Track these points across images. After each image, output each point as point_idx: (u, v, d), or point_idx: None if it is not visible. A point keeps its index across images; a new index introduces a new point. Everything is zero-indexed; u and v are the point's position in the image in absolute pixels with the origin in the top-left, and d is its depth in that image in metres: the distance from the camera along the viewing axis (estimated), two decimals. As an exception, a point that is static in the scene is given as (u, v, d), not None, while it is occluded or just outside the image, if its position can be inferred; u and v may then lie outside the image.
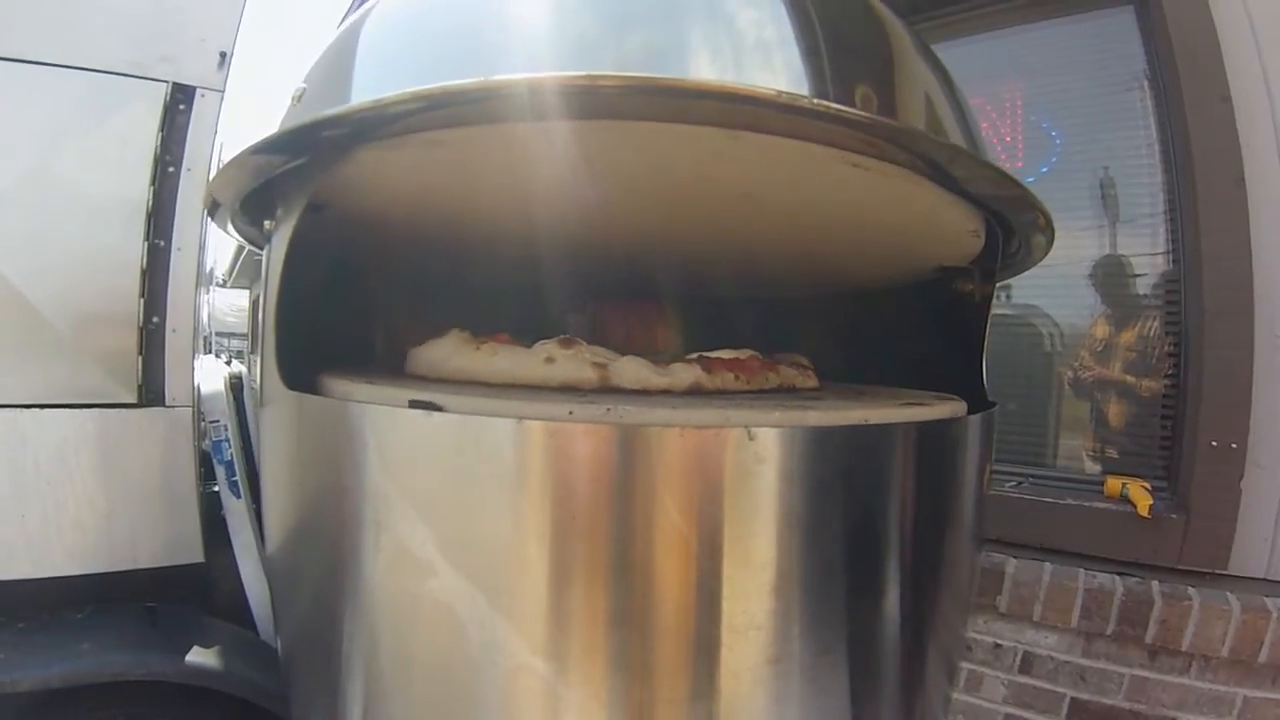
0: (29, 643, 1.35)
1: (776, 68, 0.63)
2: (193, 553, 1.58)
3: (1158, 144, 1.77)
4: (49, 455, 1.42)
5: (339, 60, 0.77)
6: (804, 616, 0.66)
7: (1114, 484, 1.74)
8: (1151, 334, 1.82)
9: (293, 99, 0.75)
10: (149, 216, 1.51)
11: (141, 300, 1.50)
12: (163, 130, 1.54)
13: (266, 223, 0.82)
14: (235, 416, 2.00)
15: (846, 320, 1.33)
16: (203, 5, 1.62)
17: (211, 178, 1.48)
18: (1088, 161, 1.91)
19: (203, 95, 1.58)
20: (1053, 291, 1.98)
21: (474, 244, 1.03)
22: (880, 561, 0.71)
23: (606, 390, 0.77)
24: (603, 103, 0.59)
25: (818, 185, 0.76)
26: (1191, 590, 1.55)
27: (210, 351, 3.74)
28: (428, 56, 0.68)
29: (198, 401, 1.63)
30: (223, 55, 1.61)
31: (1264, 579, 1.52)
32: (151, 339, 1.52)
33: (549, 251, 1.00)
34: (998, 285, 1.01)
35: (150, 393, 1.52)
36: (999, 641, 1.72)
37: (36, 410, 1.42)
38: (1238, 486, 1.55)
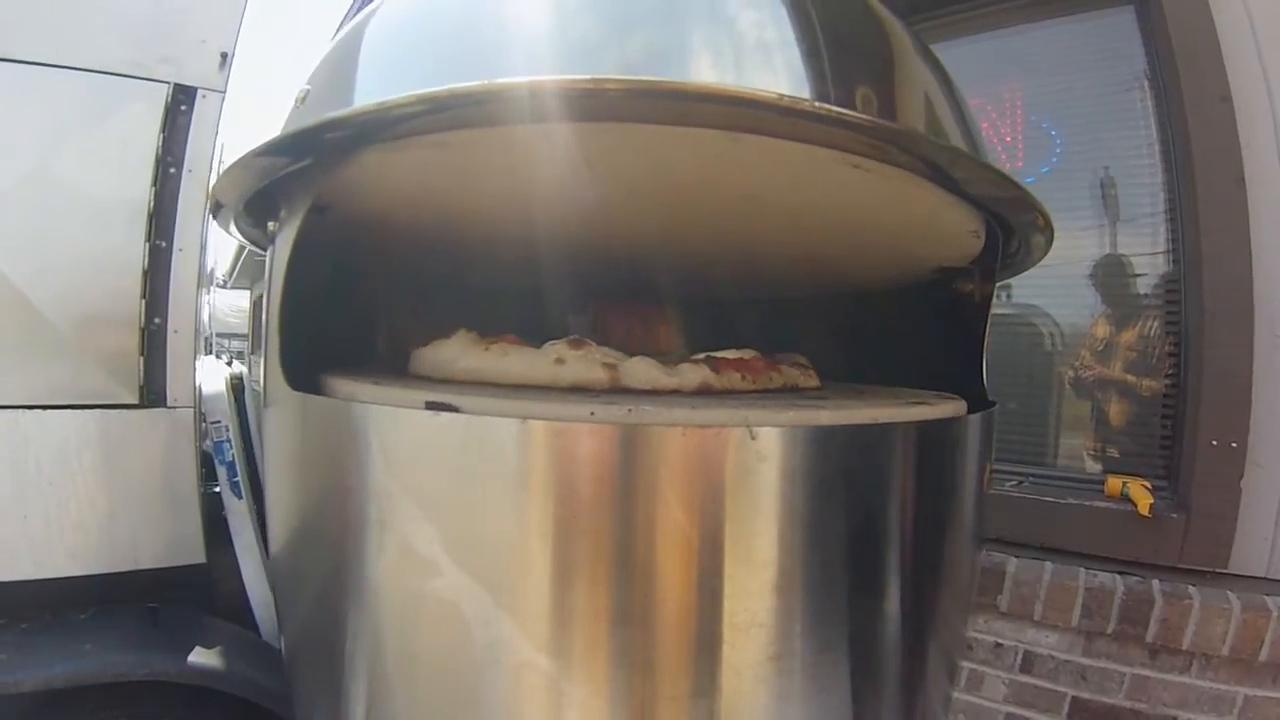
0: (31, 643, 1.35)
1: (778, 69, 0.63)
2: (194, 553, 1.58)
3: (1158, 144, 1.78)
4: (51, 456, 1.43)
5: (342, 62, 0.77)
6: (806, 614, 0.66)
7: (1114, 483, 1.74)
8: (1152, 333, 1.82)
9: (296, 101, 0.76)
10: (150, 217, 1.52)
11: (143, 301, 1.50)
12: (164, 131, 1.54)
13: (270, 224, 0.82)
14: (236, 417, 2.00)
15: (847, 320, 1.33)
16: (204, 6, 1.62)
17: (215, 179, 1.49)
18: (1088, 161, 1.92)
19: (204, 96, 1.59)
20: (1053, 291, 1.98)
21: (476, 245, 1.04)
22: (881, 560, 0.72)
23: (617, 391, 0.77)
24: (606, 106, 0.59)
25: (819, 187, 0.76)
26: (1192, 589, 1.55)
27: (211, 352, 3.74)
28: (431, 59, 0.68)
29: (199, 402, 1.63)
30: (224, 56, 1.61)
31: (1264, 578, 1.53)
32: (153, 340, 1.52)
33: (550, 252, 1.00)
34: (998, 285, 1.01)
35: (152, 393, 1.52)
36: (1000, 640, 1.72)
37: (38, 411, 1.42)
38: (1238, 485, 1.55)
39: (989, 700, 1.73)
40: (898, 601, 0.72)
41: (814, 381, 1.01)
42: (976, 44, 2.08)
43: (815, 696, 0.68)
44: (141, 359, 1.51)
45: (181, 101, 1.56)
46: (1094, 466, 1.92)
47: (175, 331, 1.54)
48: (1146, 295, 1.85)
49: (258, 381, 1.74)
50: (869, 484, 0.70)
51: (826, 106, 0.58)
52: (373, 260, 1.19)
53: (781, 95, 0.57)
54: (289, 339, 0.77)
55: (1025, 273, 1.08)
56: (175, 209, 1.54)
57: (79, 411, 1.45)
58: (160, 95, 1.54)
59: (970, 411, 0.85)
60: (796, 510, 0.64)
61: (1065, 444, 2.02)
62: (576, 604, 0.62)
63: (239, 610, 1.71)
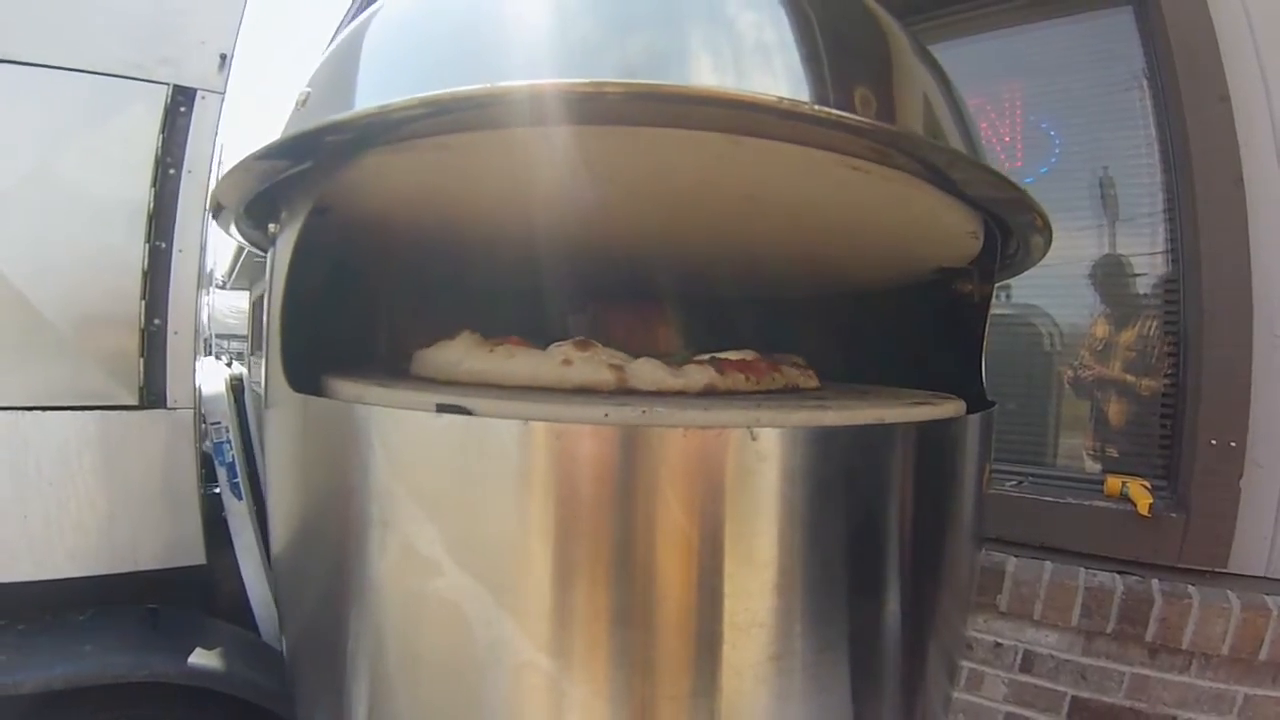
0: (31, 645, 1.36)
1: (777, 71, 0.64)
2: (194, 554, 1.58)
3: (1156, 144, 1.78)
4: (51, 457, 1.43)
5: (343, 64, 0.77)
6: (806, 614, 0.66)
7: (1114, 483, 1.74)
8: (1151, 333, 1.83)
9: (297, 103, 0.76)
10: (150, 218, 1.52)
11: (143, 302, 1.51)
12: (163, 132, 1.54)
13: (271, 226, 0.82)
14: (236, 418, 2.00)
15: (846, 320, 1.34)
16: (203, 7, 1.63)
17: (214, 180, 1.49)
18: (1087, 161, 1.92)
19: (203, 97, 1.59)
20: (1052, 291, 1.98)
21: (477, 246, 1.04)
22: (881, 560, 0.72)
23: (623, 392, 0.77)
24: (607, 109, 0.59)
25: (818, 188, 0.76)
26: (1191, 588, 1.56)
27: (210, 353, 3.74)
28: (431, 61, 0.68)
29: (199, 403, 1.63)
30: (223, 57, 1.62)
31: (1264, 577, 1.53)
32: (153, 341, 1.52)
33: (551, 254, 1.00)
34: (997, 285, 1.01)
35: (152, 394, 1.53)
36: (999, 640, 1.72)
37: (38, 412, 1.42)
38: (1237, 485, 1.56)
39: (989, 700, 1.74)
40: (898, 601, 0.73)
41: (814, 382, 1.01)
42: (975, 44, 2.08)
43: (815, 696, 0.68)
44: (141, 360, 1.51)
45: (181, 103, 1.56)
46: (1093, 466, 1.92)
47: (175, 332, 1.54)
48: (1145, 295, 1.86)
49: (257, 382, 1.74)
50: (869, 484, 0.70)
51: (826, 109, 0.59)
52: (373, 261, 1.20)
53: (781, 98, 0.57)
54: (290, 341, 0.77)
55: (1024, 273, 1.08)
56: (175, 210, 1.55)
57: (79, 413, 1.46)
58: (160, 96, 1.55)
59: (969, 411, 0.86)
60: (797, 510, 0.64)
61: (1065, 444, 2.02)
62: (578, 604, 0.62)
63: (239, 611, 1.72)
